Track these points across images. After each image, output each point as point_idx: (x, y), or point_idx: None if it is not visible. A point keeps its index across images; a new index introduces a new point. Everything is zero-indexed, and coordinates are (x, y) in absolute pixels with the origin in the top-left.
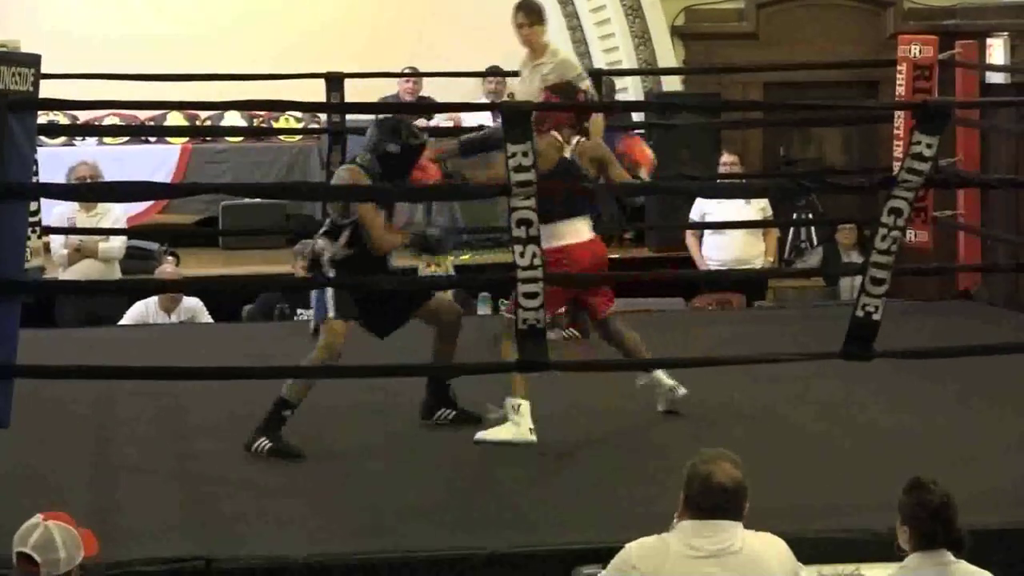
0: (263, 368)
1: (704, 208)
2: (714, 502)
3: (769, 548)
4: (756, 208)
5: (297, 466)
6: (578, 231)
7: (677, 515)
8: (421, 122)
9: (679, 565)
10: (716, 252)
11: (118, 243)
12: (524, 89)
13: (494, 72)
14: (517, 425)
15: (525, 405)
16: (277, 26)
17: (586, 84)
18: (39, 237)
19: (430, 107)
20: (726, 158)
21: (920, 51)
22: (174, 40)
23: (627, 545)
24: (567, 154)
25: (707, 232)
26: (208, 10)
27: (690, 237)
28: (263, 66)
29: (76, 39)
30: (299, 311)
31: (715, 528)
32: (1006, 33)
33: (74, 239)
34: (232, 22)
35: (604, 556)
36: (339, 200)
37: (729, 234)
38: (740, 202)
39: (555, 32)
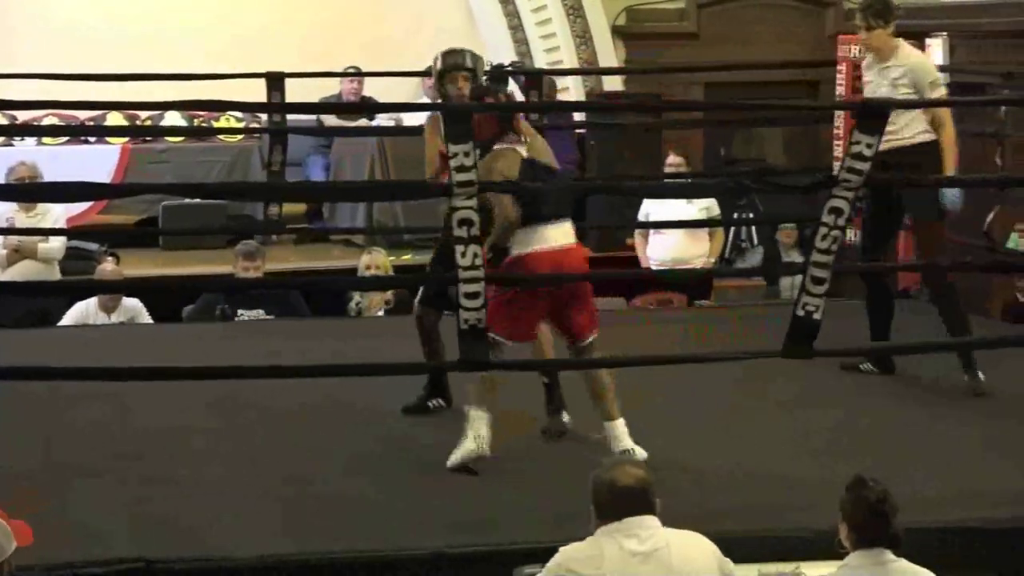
0: (206, 368)
1: (647, 208)
2: (624, 504)
3: (695, 545)
4: (699, 208)
5: (242, 466)
6: (544, 236)
7: (592, 526)
8: (363, 121)
9: (617, 566)
10: (658, 252)
11: (58, 243)
12: (870, 92)
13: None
14: (468, 439)
15: (480, 416)
16: (219, 26)
17: (942, 92)
18: None
19: (372, 107)
20: (672, 159)
21: (860, 51)
22: (116, 39)
23: (561, 549)
24: (524, 153)
25: (651, 232)
26: (149, 9)
27: (637, 237)
28: (204, 66)
29: (17, 37)
30: (240, 312)
31: (639, 525)
32: (945, 33)
33: (13, 239)
34: (173, 22)
35: (546, 556)
36: (280, 200)
37: (671, 234)
38: (682, 202)
39: (496, 32)
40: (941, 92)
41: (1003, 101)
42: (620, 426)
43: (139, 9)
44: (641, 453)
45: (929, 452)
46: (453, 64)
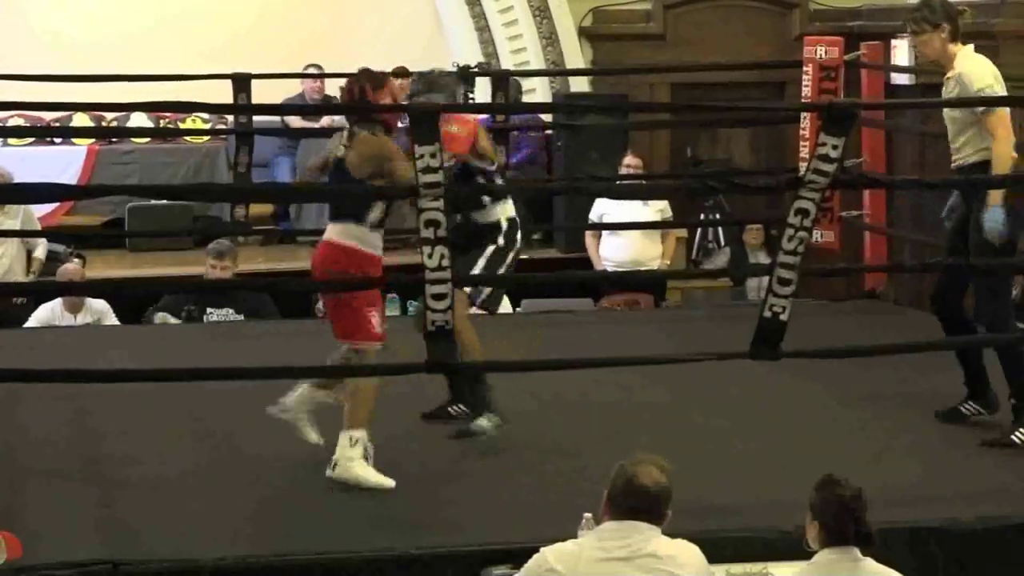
0: (172, 370)
1: (602, 209)
2: (634, 503)
3: (682, 554)
4: (654, 209)
5: (206, 468)
6: (329, 231)
7: (600, 513)
8: (326, 120)
9: (592, 567)
10: (614, 253)
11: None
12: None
13: (400, 73)
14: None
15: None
16: (189, 30)
17: (996, 88)
18: None
19: (336, 107)
20: (630, 160)
21: (826, 52)
22: (83, 42)
23: (542, 549)
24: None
25: (605, 233)
26: (116, 13)
27: (589, 238)
28: (172, 68)
29: None
30: (209, 310)
31: (631, 530)
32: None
33: None
34: (141, 26)
35: (513, 557)
36: (246, 201)
37: (627, 235)
38: (638, 203)
39: (462, 33)
40: (995, 88)
41: (957, 102)
42: (351, 436)
43: (114, 12)
44: (356, 474)
45: (893, 453)
46: None
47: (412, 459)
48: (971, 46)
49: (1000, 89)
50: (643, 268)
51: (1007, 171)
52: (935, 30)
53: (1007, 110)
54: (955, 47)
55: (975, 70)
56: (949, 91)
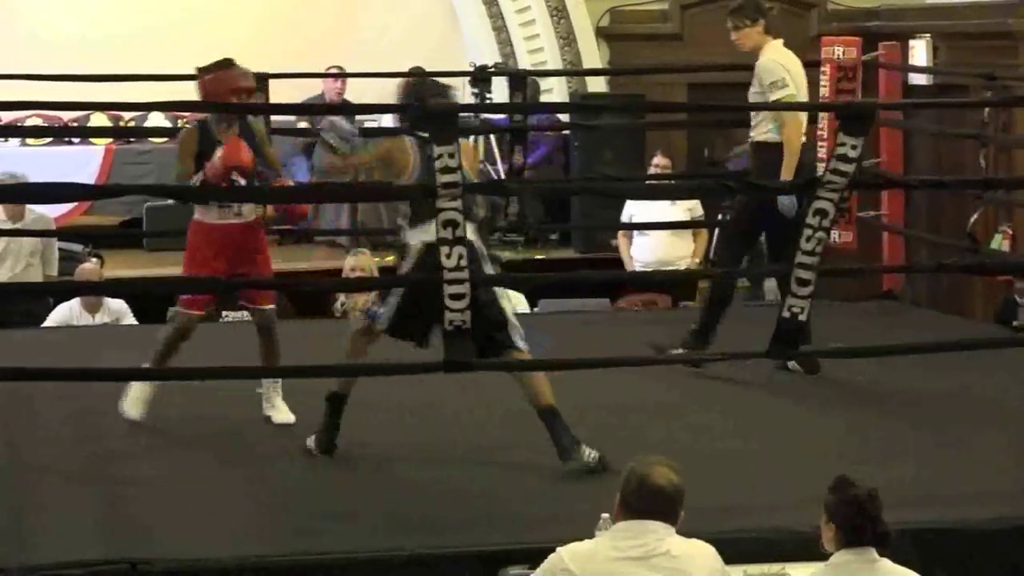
0: (184, 369)
1: (631, 210)
2: (648, 503)
3: (697, 553)
4: (683, 209)
5: (215, 468)
6: None
7: (613, 514)
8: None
9: (606, 566)
10: (642, 253)
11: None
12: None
13: (416, 73)
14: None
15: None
16: (208, 29)
17: (784, 92)
18: None
19: (354, 108)
20: (659, 160)
21: (843, 53)
22: (102, 43)
23: (558, 549)
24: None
25: (635, 233)
26: (134, 12)
27: (621, 238)
28: (189, 68)
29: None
30: (224, 313)
31: (644, 529)
32: (928, 35)
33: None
34: (159, 25)
35: (529, 557)
36: (264, 202)
37: (655, 235)
38: (666, 203)
39: (479, 33)
40: (783, 93)
41: (976, 103)
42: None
43: (124, 13)
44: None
45: (898, 453)
46: None
47: (426, 459)
48: (779, 41)
49: (790, 82)
50: (672, 268)
51: (795, 152)
52: (753, 25)
53: (797, 101)
54: (766, 40)
55: (770, 62)
56: (754, 81)
